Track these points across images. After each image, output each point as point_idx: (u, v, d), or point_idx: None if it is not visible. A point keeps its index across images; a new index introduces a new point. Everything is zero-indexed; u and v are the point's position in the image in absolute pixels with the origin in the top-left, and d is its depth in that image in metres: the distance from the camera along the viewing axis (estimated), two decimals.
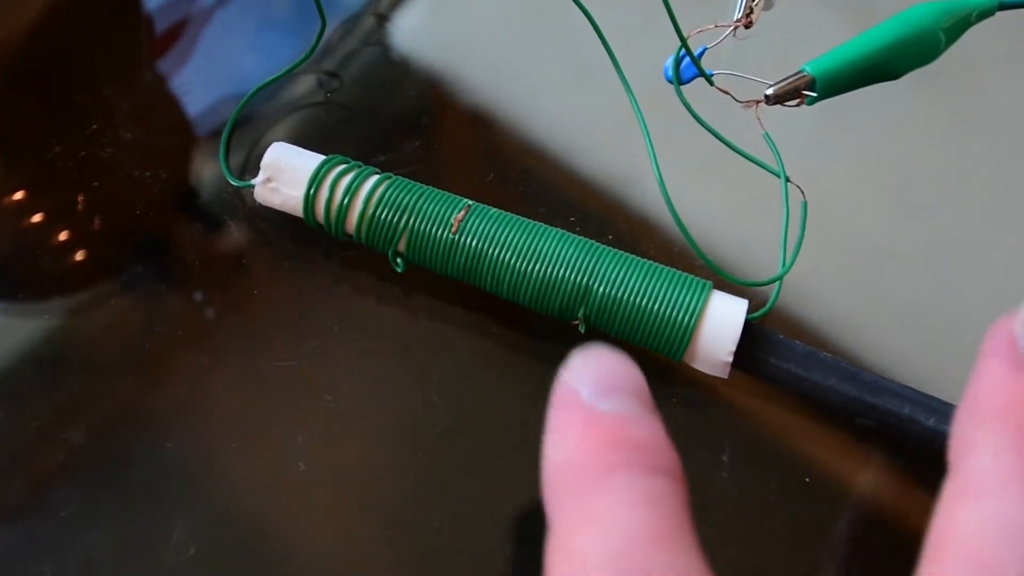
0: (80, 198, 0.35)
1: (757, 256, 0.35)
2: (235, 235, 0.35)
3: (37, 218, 0.35)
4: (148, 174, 0.36)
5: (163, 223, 0.35)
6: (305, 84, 0.39)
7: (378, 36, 0.41)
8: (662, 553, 0.19)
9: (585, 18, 0.33)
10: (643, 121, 0.31)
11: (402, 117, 0.38)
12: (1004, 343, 0.22)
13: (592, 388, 0.22)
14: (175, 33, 0.40)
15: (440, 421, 0.31)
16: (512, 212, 0.32)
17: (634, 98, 0.31)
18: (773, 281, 0.33)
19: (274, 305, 0.34)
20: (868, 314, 0.35)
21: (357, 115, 0.38)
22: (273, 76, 0.37)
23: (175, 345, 0.32)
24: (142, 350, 0.32)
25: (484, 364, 0.33)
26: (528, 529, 0.30)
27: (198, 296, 0.34)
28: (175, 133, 0.38)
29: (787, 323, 0.34)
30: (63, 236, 0.35)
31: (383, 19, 0.41)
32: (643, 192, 0.36)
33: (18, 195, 0.36)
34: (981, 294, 0.36)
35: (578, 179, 0.37)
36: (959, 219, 0.38)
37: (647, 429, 0.22)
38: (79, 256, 0.35)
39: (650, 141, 0.31)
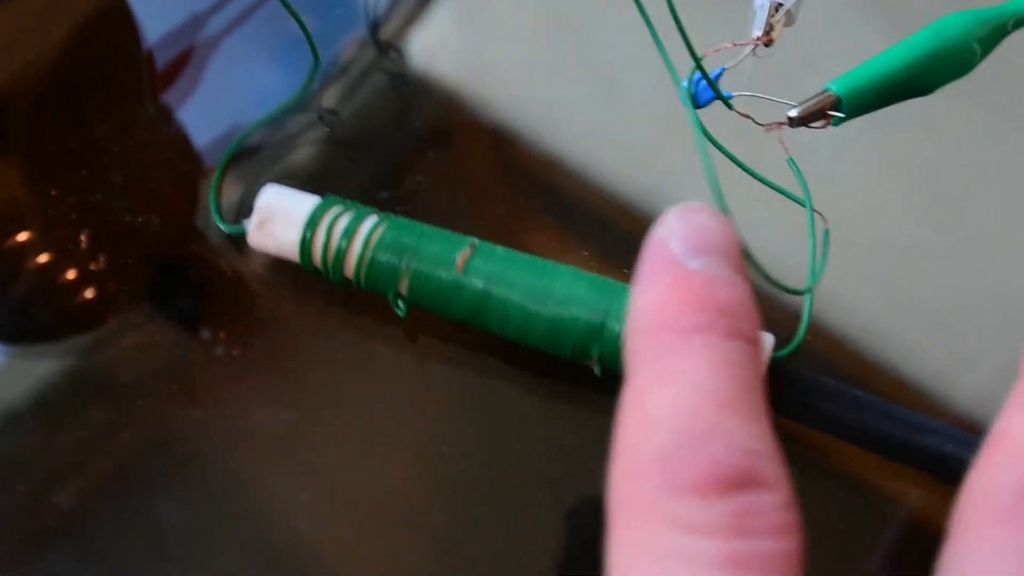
0: (69, 247, 0.34)
1: (783, 278, 0.33)
2: (232, 281, 0.33)
3: (31, 263, 0.34)
4: (140, 219, 0.34)
5: (155, 271, 0.34)
6: (305, 120, 0.37)
7: (380, 67, 0.39)
8: (729, 417, 0.20)
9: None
10: (703, 144, 0.29)
11: (406, 151, 0.36)
12: None
13: (683, 245, 0.22)
14: (178, 66, 0.39)
15: (450, 474, 0.30)
16: (523, 246, 0.31)
17: (697, 119, 0.30)
18: (804, 292, 0.31)
19: (273, 352, 0.32)
20: (903, 323, 0.33)
21: (359, 150, 0.37)
22: (265, 116, 0.35)
23: (169, 399, 0.31)
24: (134, 405, 0.31)
25: (492, 407, 0.31)
26: (546, 572, 0.28)
27: (193, 347, 0.32)
28: (171, 174, 0.36)
29: (821, 334, 0.32)
30: (54, 285, 0.34)
31: (386, 49, 0.40)
32: (641, 230, 0.35)
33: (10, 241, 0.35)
34: (1018, 299, 0.34)
35: (595, 207, 0.35)
36: (993, 224, 0.36)
37: (733, 292, 0.22)
38: (67, 308, 0.33)
39: (709, 165, 0.29)
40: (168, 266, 0.34)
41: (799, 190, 0.32)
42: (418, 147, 0.36)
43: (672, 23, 0.29)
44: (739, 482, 0.19)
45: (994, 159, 0.37)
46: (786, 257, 0.33)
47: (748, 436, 0.19)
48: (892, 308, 0.34)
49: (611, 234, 0.34)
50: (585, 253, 0.34)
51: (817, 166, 0.36)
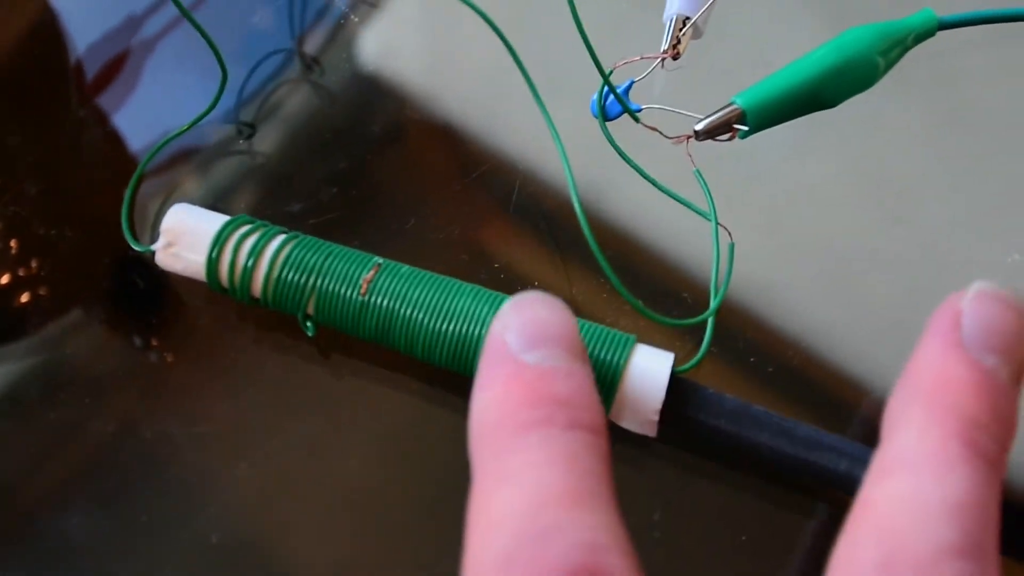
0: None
1: (696, 295, 0.34)
2: (145, 296, 0.33)
3: None
4: (54, 232, 0.34)
5: (67, 286, 0.34)
6: (226, 132, 0.37)
7: (303, 80, 0.39)
8: (572, 511, 0.19)
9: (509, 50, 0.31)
10: (564, 156, 0.29)
11: (321, 163, 0.36)
12: (947, 322, 0.22)
13: (519, 338, 0.22)
14: (107, 77, 0.39)
15: (360, 483, 0.30)
16: (433, 260, 0.31)
17: (555, 131, 0.30)
18: (698, 322, 0.31)
19: (186, 369, 0.32)
20: (839, 324, 0.34)
21: (275, 164, 0.36)
22: (175, 132, 0.35)
23: (80, 413, 0.31)
24: (46, 420, 0.31)
25: (405, 424, 0.31)
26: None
27: (106, 361, 0.32)
28: (90, 186, 0.36)
29: (766, 334, 0.33)
30: None
31: (311, 60, 0.39)
32: (576, 232, 0.35)
33: None
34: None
35: (503, 221, 0.35)
36: (934, 226, 0.36)
37: (571, 383, 0.22)
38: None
39: (572, 178, 0.29)
40: (82, 282, 0.34)
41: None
42: (330, 161, 0.36)
43: (595, 33, 0.30)
44: None
45: (934, 161, 0.38)
46: (700, 271, 0.34)
47: (591, 529, 0.19)
48: (828, 311, 0.34)
49: (519, 249, 0.35)
50: (496, 265, 0.34)
51: (764, 165, 0.36)
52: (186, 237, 0.31)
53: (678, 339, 0.32)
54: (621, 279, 0.28)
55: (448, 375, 0.30)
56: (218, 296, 0.32)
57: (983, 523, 0.20)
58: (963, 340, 0.22)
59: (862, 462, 0.28)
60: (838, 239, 0.35)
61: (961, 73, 0.39)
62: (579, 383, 0.22)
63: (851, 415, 0.32)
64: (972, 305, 0.22)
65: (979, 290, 0.22)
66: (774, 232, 0.35)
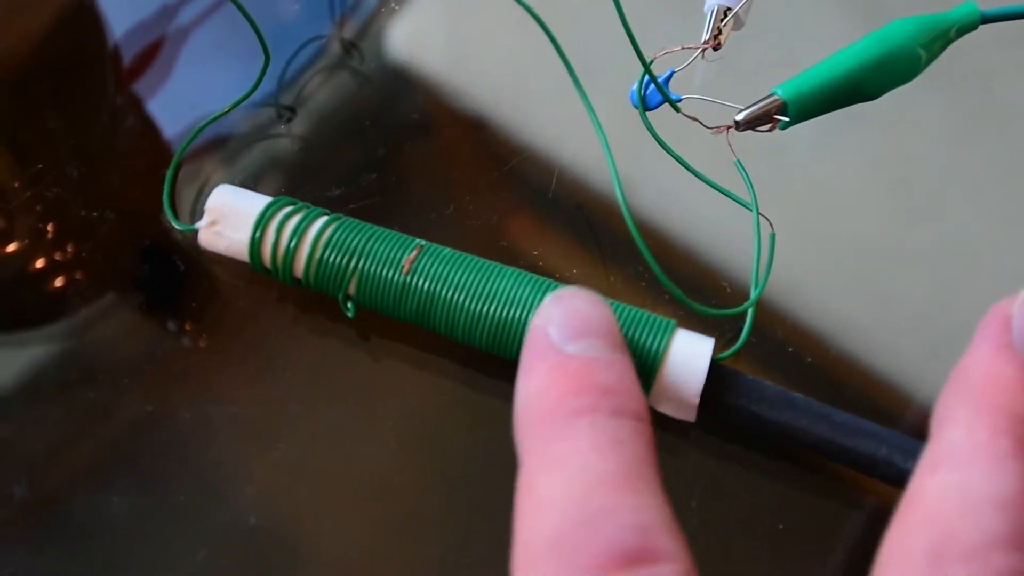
0: (23, 241, 0.34)
1: (735, 284, 0.34)
2: (186, 277, 0.33)
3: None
4: (95, 214, 0.34)
5: (109, 267, 0.34)
6: (263, 117, 0.37)
7: (342, 65, 0.39)
8: (621, 494, 0.20)
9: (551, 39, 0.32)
10: (607, 145, 0.29)
11: (359, 149, 0.36)
12: (997, 325, 0.23)
13: (560, 330, 0.23)
14: (145, 60, 0.39)
15: (396, 466, 0.30)
16: (471, 245, 0.31)
17: (597, 121, 0.30)
18: (740, 312, 0.31)
19: (225, 349, 0.32)
20: (871, 318, 0.34)
21: (314, 148, 0.37)
22: (216, 114, 0.36)
23: (120, 392, 0.31)
24: (86, 399, 0.31)
25: (442, 406, 0.31)
26: (497, 571, 0.28)
27: (144, 340, 0.32)
28: (129, 167, 0.36)
29: (777, 337, 0.33)
30: (21, 274, 0.34)
31: (349, 48, 0.40)
32: (614, 222, 0.35)
33: None
34: (988, 297, 0.34)
35: (542, 208, 0.35)
36: (964, 222, 0.36)
37: (613, 372, 0.22)
38: (15, 302, 0.34)
39: (614, 166, 0.29)
40: (124, 263, 0.34)
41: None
42: (370, 147, 0.36)
43: (635, 22, 0.30)
44: (633, 559, 0.19)
45: (962, 158, 0.38)
46: (738, 261, 0.34)
47: (640, 511, 0.20)
48: (859, 305, 0.34)
49: (557, 236, 0.35)
50: (535, 253, 0.34)
51: (790, 162, 0.36)
52: (230, 216, 0.31)
53: (716, 329, 0.32)
54: (661, 269, 0.28)
55: (487, 359, 0.31)
56: (257, 278, 0.33)
57: None
58: (1013, 342, 0.23)
59: (902, 449, 0.28)
60: (867, 234, 0.35)
61: (992, 70, 0.39)
62: (621, 372, 0.23)
63: (886, 410, 0.32)
64: (1022, 309, 0.23)
65: None
66: (803, 227, 0.35)
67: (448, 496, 0.30)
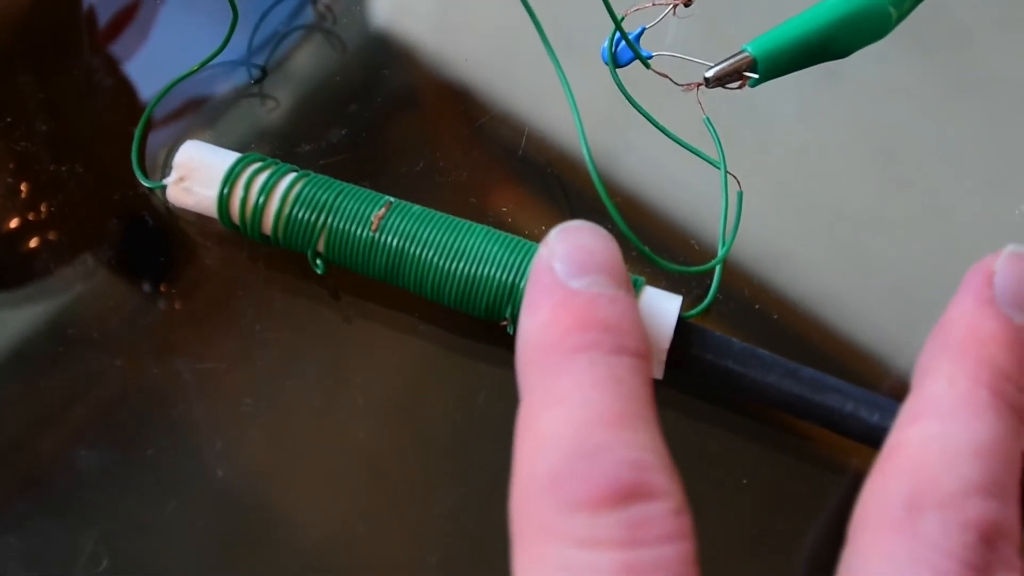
0: (6, 195, 0.34)
1: (705, 242, 0.34)
2: (155, 233, 0.33)
3: None
4: (64, 168, 0.34)
5: (78, 221, 0.34)
6: (235, 76, 0.37)
7: (312, 24, 0.39)
8: (619, 430, 0.20)
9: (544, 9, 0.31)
10: (573, 102, 0.29)
11: (330, 107, 0.36)
12: (980, 279, 0.23)
13: (565, 265, 0.23)
14: (123, 20, 0.39)
15: (364, 423, 0.30)
16: (441, 202, 0.31)
17: (564, 78, 0.30)
18: (707, 269, 0.31)
19: (194, 307, 0.32)
20: (844, 282, 0.34)
21: (284, 107, 0.37)
22: (186, 72, 0.35)
23: (88, 347, 0.31)
24: (55, 353, 0.31)
25: (411, 364, 0.32)
26: (458, 528, 0.29)
27: (114, 296, 0.32)
28: (101, 125, 0.36)
29: (744, 296, 0.33)
30: None
31: (323, 7, 0.39)
32: (583, 179, 0.35)
33: None
34: (963, 266, 0.34)
35: (512, 166, 0.35)
36: (947, 190, 0.36)
37: (616, 309, 0.22)
38: (9, 256, 0.33)
39: (580, 122, 0.29)
40: (93, 218, 0.34)
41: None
42: (340, 103, 0.36)
43: None
44: (628, 494, 0.19)
45: (944, 125, 0.38)
46: (708, 219, 0.34)
47: (637, 448, 0.20)
48: (832, 269, 0.34)
49: (527, 192, 0.35)
50: (504, 209, 0.34)
51: (773, 128, 0.36)
52: (198, 172, 0.31)
53: (683, 287, 0.32)
54: (628, 227, 0.28)
55: (457, 317, 0.31)
56: (227, 236, 0.32)
57: (1008, 467, 0.21)
58: (995, 297, 0.23)
59: (868, 404, 0.28)
60: (843, 198, 0.36)
61: (970, 33, 0.39)
62: (624, 309, 0.23)
63: (858, 374, 0.32)
64: (1005, 265, 0.24)
65: (1012, 251, 0.24)
66: (778, 190, 0.35)
67: (417, 452, 0.30)
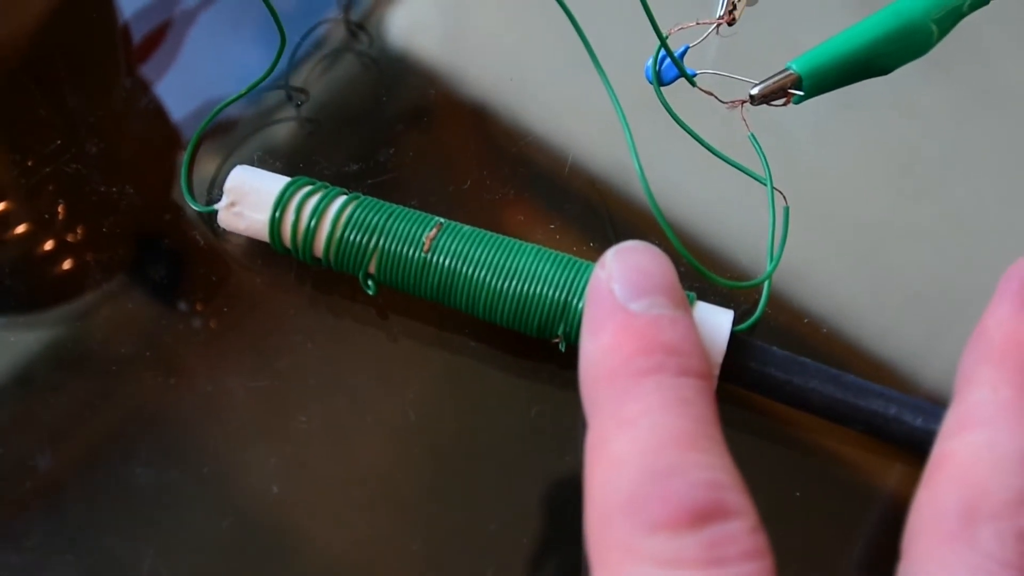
0: (44, 216, 0.34)
1: (748, 257, 0.34)
2: (205, 254, 0.34)
3: (8, 234, 0.34)
4: (115, 190, 0.35)
5: (130, 242, 0.34)
6: (276, 98, 0.38)
7: (351, 47, 0.39)
8: (691, 452, 0.21)
9: (568, 16, 0.32)
10: (624, 118, 0.30)
11: (376, 125, 0.37)
12: (1015, 284, 0.24)
13: (624, 288, 0.23)
14: (154, 41, 0.39)
15: (416, 439, 0.31)
16: (489, 220, 0.32)
17: (615, 97, 0.30)
18: (758, 284, 0.32)
19: (246, 325, 0.33)
20: (872, 299, 0.34)
21: (330, 126, 0.37)
22: (235, 96, 0.36)
23: (143, 367, 0.32)
24: (109, 372, 0.31)
25: (461, 382, 0.32)
26: (512, 542, 0.29)
27: (167, 316, 0.33)
28: (146, 148, 0.37)
29: (790, 310, 0.33)
30: (25, 254, 0.34)
31: (357, 30, 0.40)
32: (631, 193, 0.35)
33: None
34: (988, 276, 0.34)
35: (561, 181, 0.35)
36: (965, 201, 0.36)
37: (678, 330, 0.23)
38: (40, 276, 0.34)
39: (632, 141, 0.29)
40: (144, 238, 0.34)
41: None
42: (386, 123, 0.37)
43: (639, 3, 0.30)
44: (707, 514, 0.20)
45: (963, 138, 0.38)
46: (752, 234, 0.34)
47: (710, 469, 0.20)
48: (863, 286, 0.34)
49: (574, 210, 0.35)
50: (552, 227, 0.34)
51: (793, 144, 0.36)
52: (249, 196, 0.31)
53: (729, 303, 0.32)
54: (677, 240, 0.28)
55: (505, 336, 0.31)
56: (273, 258, 0.33)
57: None
58: None
59: (912, 407, 0.28)
60: (867, 213, 0.36)
61: (987, 48, 0.39)
62: (685, 330, 0.23)
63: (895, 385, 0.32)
64: None
65: None
66: (806, 206, 0.36)
67: (470, 468, 0.30)
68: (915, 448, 0.28)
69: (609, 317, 0.23)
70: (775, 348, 0.30)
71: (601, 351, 0.23)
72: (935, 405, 0.28)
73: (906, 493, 0.22)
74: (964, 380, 0.23)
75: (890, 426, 0.28)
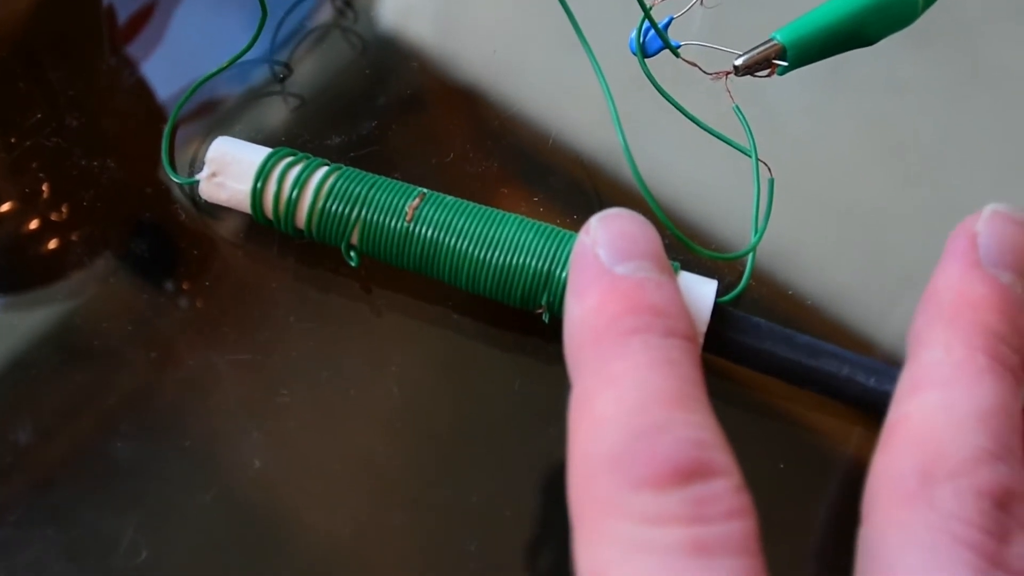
0: (25, 189, 0.34)
1: (738, 229, 0.34)
2: (188, 229, 0.33)
3: None
4: (96, 164, 0.34)
5: (111, 217, 0.34)
6: (260, 74, 0.37)
7: (336, 21, 0.39)
8: (676, 411, 0.20)
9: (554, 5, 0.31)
10: (609, 93, 0.29)
11: (359, 99, 0.36)
12: (964, 244, 0.23)
13: (609, 252, 0.23)
14: (143, 17, 0.39)
15: (399, 413, 0.30)
16: (472, 193, 0.31)
17: (599, 69, 0.30)
18: (742, 255, 0.31)
19: (227, 299, 0.32)
20: (864, 279, 0.34)
21: (313, 101, 0.37)
22: (216, 69, 0.35)
23: (125, 342, 0.31)
24: (90, 346, 0.31)
25: (445, 356, 0.32)
26: (495, 515, 0.29)
27: (148, 291, 0.32)
28: (128, 122, 0.36)
29: (779, 292, 0.33)
30: (2, 231, 0.34)
31: (342, 4, 0.39)
32: (613, 169, 0.35)
33: None
34: None
35: (544, 155, 0.35)
36: (958, 181, 0.36)
37: (664, 293, 0.23)
38: (21, 253, 0.34)
39: (616, 113, 0.29)
40: (126, 213, 0.34)
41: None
42: (369, 97, 0.36)
43: None
44: (691, 472, 0.20)
45: (951, 113, 0.38)
46: (738, 207, 0.34)
47: (695, 427, 0.20)
48: (849, 260, 0.34)
49: (558, 182, 0.35)
50: (535, 199, 0.34)
51: (784, 122, 0.36)
52: (231, 167, 0.31)
53: (713, 276, 0.32)
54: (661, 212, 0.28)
55: (488, 307, 0.31)
56: (257, 231, 0.33)
57: (1011, 428, 0.21)
58: (981, 260, 0.23)
59: (863, 368, 0.28)
60: (856, 195, 0.36)
61: (977, 25, 0.39)
62: (671, 294, 0.23)
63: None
64: (987, 226, 0.24)
65: (993, 211, 0.24)
66: (790, 179, 0.36)
67: (454, 441, 0.30)
68: (868, 408, 0.28)
69: (595, 280, 0.23)
70: (729, 308, 0.30)
71: (586, 312, 0.23)
72: (888, 365, 0.28)
73: (866, 457, 0.22)
74: (916, 341, 0.23)
75: (842, 386, 0.28)
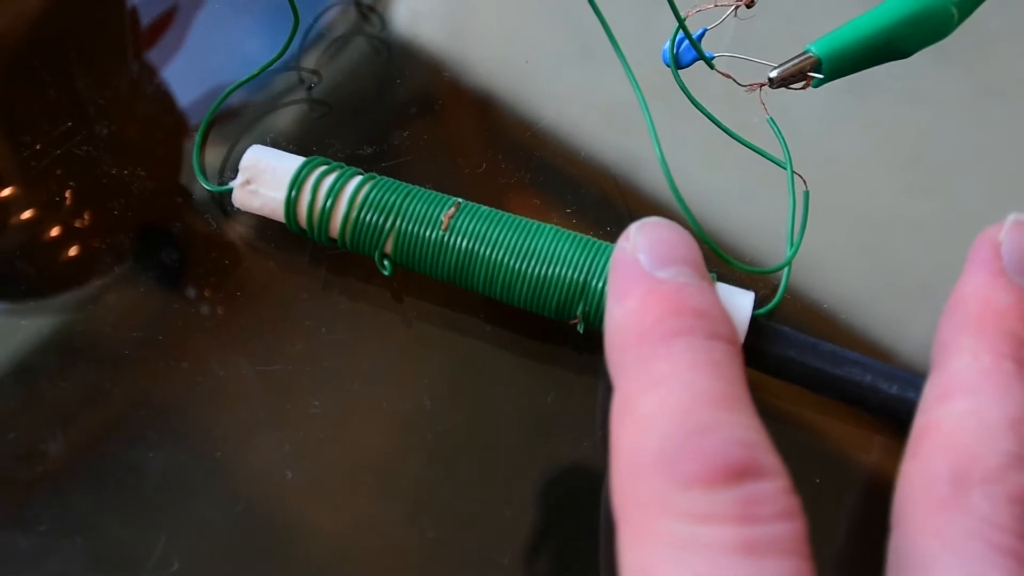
0: (55, 199, 0.34)
1: (766, 241, 0.34)
2: (217, 238, 0.33)
3: (16, 219, 0.34)
4: (126, 172, 0.34)
5: (141, 225, 0.34)
6: (288, 81, 0.37)
7: (362, 31, 0.39)
8: (723, 411, 0.20)
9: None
10: (644, 104, 0.29)
11: (389, 108, 0.36)
12: (987, 252, 0.24)
13: (651, 256, 0.23)
14: (164, 23, 0.39)
15: (430, 425, 0.30)
16: (506, 203, 0.31)
17: (635, 80, 0.30)
18: (778, 269, 0.31)
19: (258, 309, 0.32)
20: (883, 290, 0.34)
21: (342, 109, 0.37)
22: (246, 77, 0.35)
23: (155, 350, 0.31)
24: (121, 356, 0.31)
25: (476, 367, 0.32)
26: (528, 528, 0.29)
27: (178, 300, 0.32)
28: (155, 131, 0.36)
29: (801, 301, 0.33)
30: (35, 238, 0.34)
31: (367, 13, 0.39)
32: (646, 179, 0.35)
33: None
34: None
35: (576, 166, 0.35)
36: (976, 193, 0.36)
37: (705, 297, 0.23)
38: (51, 259, 0.33)
39: (652, 124, 0.29)
40: (153, 222, 0.34)
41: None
42: (400, 106, 0.36)
43: None
44: (741, 472, 0.20)
45: (975, 128, 0.38)
46: (767, 219, 0.34)
47: (744, 428, 0.20)
48: (875, 275, 0.34)
49: (590, 194, 0.35)
50: (568, 211, 0.34)
51: (803, 133, 0.36)
52: (265, 175, 0.31)
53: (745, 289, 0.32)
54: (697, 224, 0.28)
55: (521, 318, 0.31)
56: (286, 241, 0.33)
57: None
58: (1005, 268, 0.23)
59: (885, 375, 0.28)
60: (872, 204, 0.36)
61: (995, 38, 0.39)
62: (712, 298, 0.23)
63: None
64: (1010, 235, 0.24)
65: (1016, 220, 0.24)
66: (816, 191, 0.36)
67: (485, 453, 0.30)
68: (891, 416, 0.28)
69: (636, 283, 0.23)
70: (761, 320, 0.29)
71: (628, 315, 0.23)
72: (911, 374, 0.28)
73: (887, 466, 0.22)
74: (943, 349, 0.23)
75: (866, 394, 0.28)
